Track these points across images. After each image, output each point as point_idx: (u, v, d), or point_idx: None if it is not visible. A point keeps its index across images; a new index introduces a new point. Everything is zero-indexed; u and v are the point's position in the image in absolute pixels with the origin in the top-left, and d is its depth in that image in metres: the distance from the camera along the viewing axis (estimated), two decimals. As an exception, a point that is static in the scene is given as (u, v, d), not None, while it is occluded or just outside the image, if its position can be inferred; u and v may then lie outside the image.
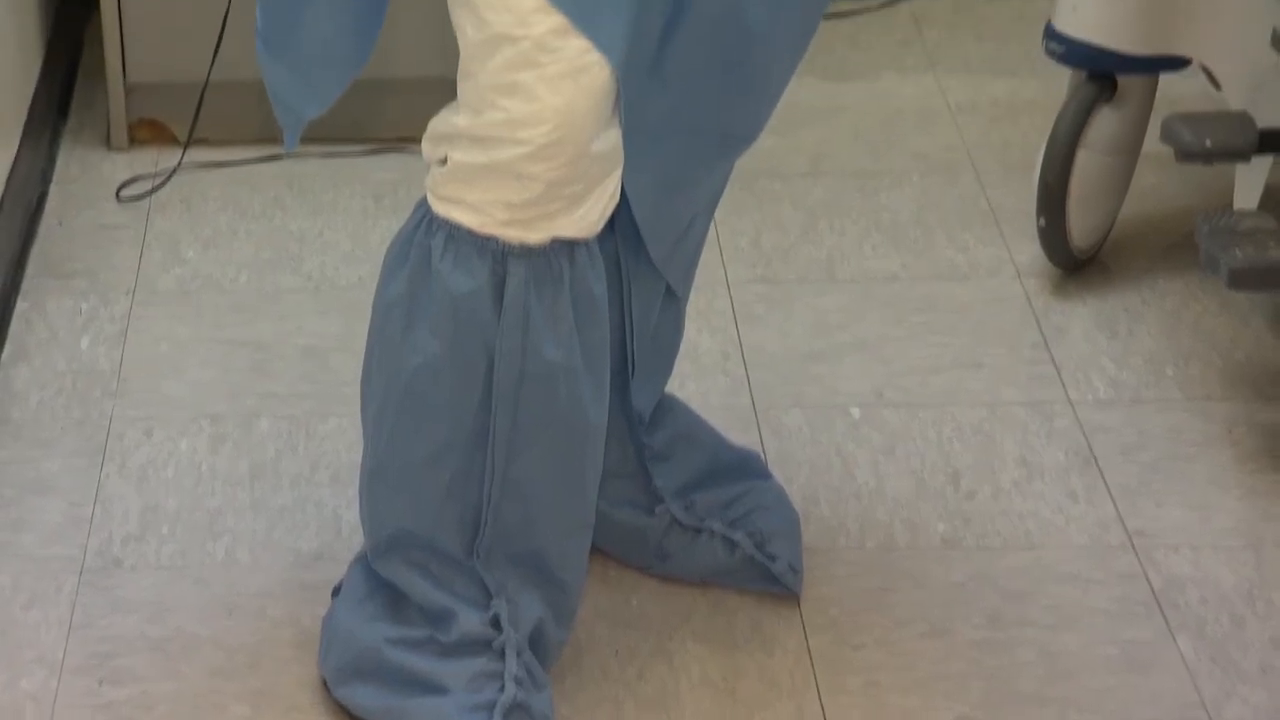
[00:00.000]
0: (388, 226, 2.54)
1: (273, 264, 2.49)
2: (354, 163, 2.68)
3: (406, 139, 2.68)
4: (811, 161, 2.71)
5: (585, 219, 1.73)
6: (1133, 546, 2.06)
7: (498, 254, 1.72)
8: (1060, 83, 2.50)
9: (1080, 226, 2.42)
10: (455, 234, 1.73)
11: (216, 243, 2.53)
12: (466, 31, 1.68)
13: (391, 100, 2.65)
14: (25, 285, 2.43)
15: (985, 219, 2.59)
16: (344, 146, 2.68)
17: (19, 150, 2.51)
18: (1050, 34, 2.39)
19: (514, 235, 1.71)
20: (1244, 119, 2.12)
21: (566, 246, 1.73)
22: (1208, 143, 2.11)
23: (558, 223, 1.72)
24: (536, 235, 1.72)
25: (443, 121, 1.74)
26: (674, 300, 1.92)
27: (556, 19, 1.64)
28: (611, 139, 1.72)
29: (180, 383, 2.28)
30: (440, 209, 1.74)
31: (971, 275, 2.49)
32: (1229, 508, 2.11)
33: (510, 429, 1.77)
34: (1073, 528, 2.08)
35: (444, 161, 1.73)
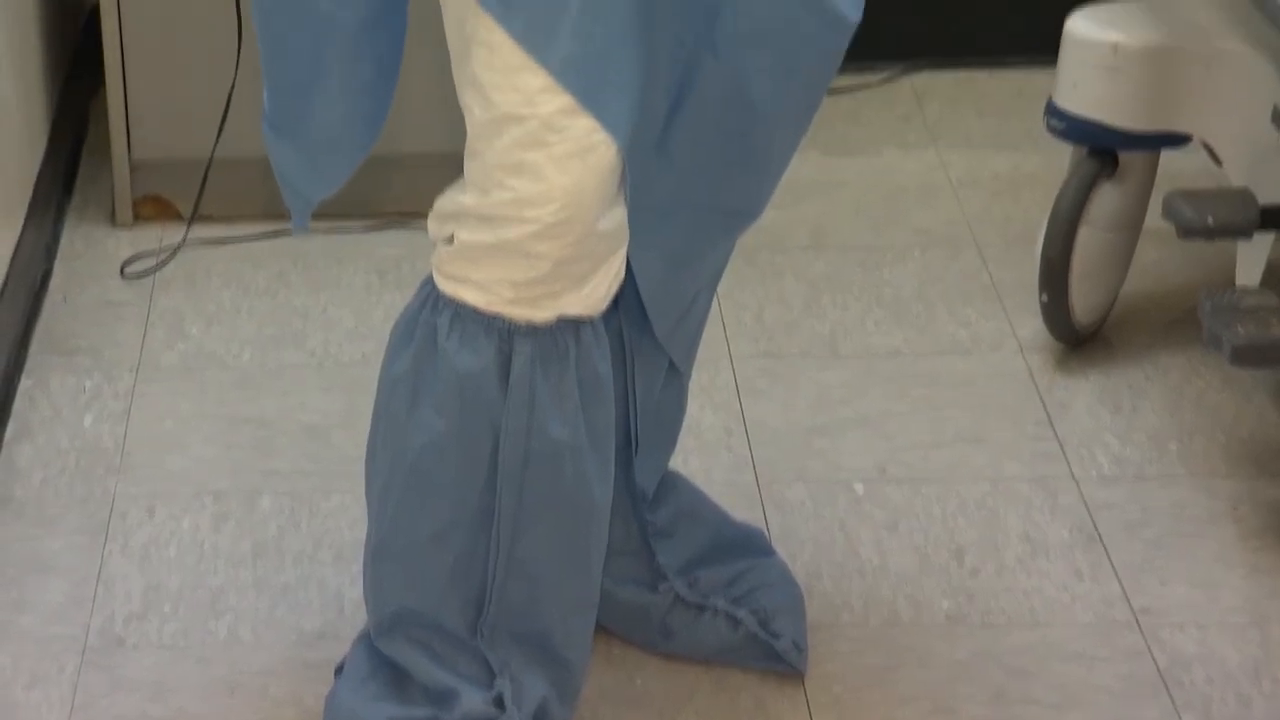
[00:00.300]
0: (391, 302, 2.54)
1: (276, 340, 2.49)
2: (358, 239, 2.69)
3: (410, 214, 2.69)
4: (814, 236, 2.71)
5: (591, 297, 1.73)
6: (1138, 624, 2.06)
7: (504, 332, 1.72)
8: (1062, 157, 2.51)
9: (1083, 302, 2.43)
10: (461, 312, 1.73)
11: (220, 319, 2.53)
12: (474, 111, 1.69)
13: (396, 175, 2.66)
14: (29, 363, 2.43)
15: (987, 294, 2.59)
16: (348, 222, 2.69)
17: (24, 227, 2.51)
18: (1051, 110, 2.40)
19: (520, 314, 1.72)
20: (1245, 196, 2.13)
21: (572, 325, 1.73)
22: (1209, 220, 2.11)
23: (564, 301, 1.72)
24: (543, 314, 1.72)
25: (449, 200, 1.74)
26: (677, 376, 1.93)
27: (564, 99, 1.65)
28: (617, 217, 1.72)
29: (183, 459, 2.28)
30: (446, 287, 1.74)
31: (974, 350, 2.49)
32: (1234, 585, 2.11)
33: (515, 507, 1.77)
34: (1078, 605, 2.08)
35: (450, 240, 1.74)
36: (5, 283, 2.40)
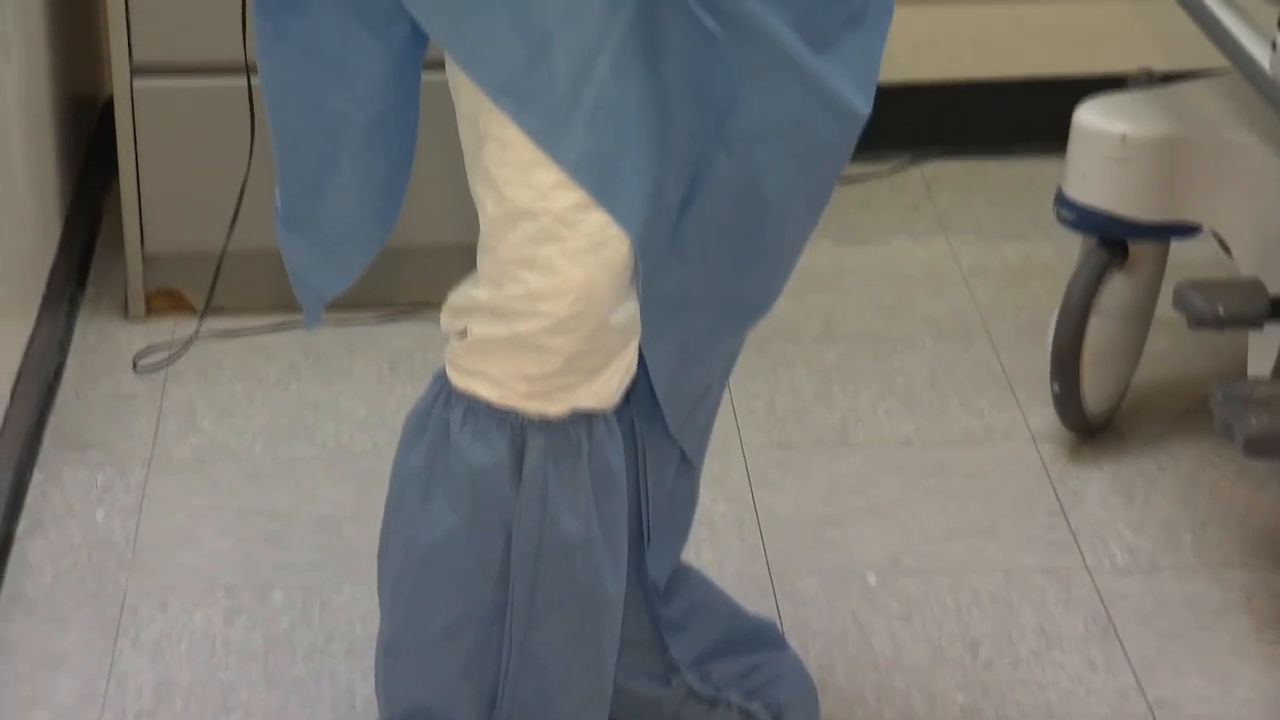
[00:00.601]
0: (403, 393, 2.55)
1: (288, 432, 2.49)
2: (370, 330, 2.69)
3: (422, 304, 2.70)
4: (824, 325, 2.72)
5: (604, 390, 1.73)
6: (1153, 717, 2.04)
7: (517, 426, 1.72)
8: (1072, 245, 2.52)
9: (1094, 392, 2.43)
10: (474, 407, 1.73)
11: (232, 411, 2.53)
12: (487, 207, 1.69)
13: (407, 266, 2.67)
14: (42, 457, 2.43)
15: (999, 383, 2.59)
16: (360, 313, 2.70)
17: (37, 321, 2.52)
18: (1061, 200, 2.40)
19: (534, 407, 1.72)
20: (1256, 286, 2.13)
21: (585, 419, 1.73)
22: (1220, 310, 2.12)
23: (577, 394, 1.72)
24: (556, 407, 1.72)
25: (462, 295, 1.75)
26: (689, 468, 1.92)
27: (577, 194, 1.65)
28: (630, 310, 1.73)
29: (195, 554, 2.28)
30: (460, 382, 1.74)
31: (986, 440, 2.49)
32: (1249, 678, 2.10)
33: (528, 602, 1.76)
34: (1093, 698, 2.07)
35: (463, 334, 1.74)
36: (18, 377, 2.41)
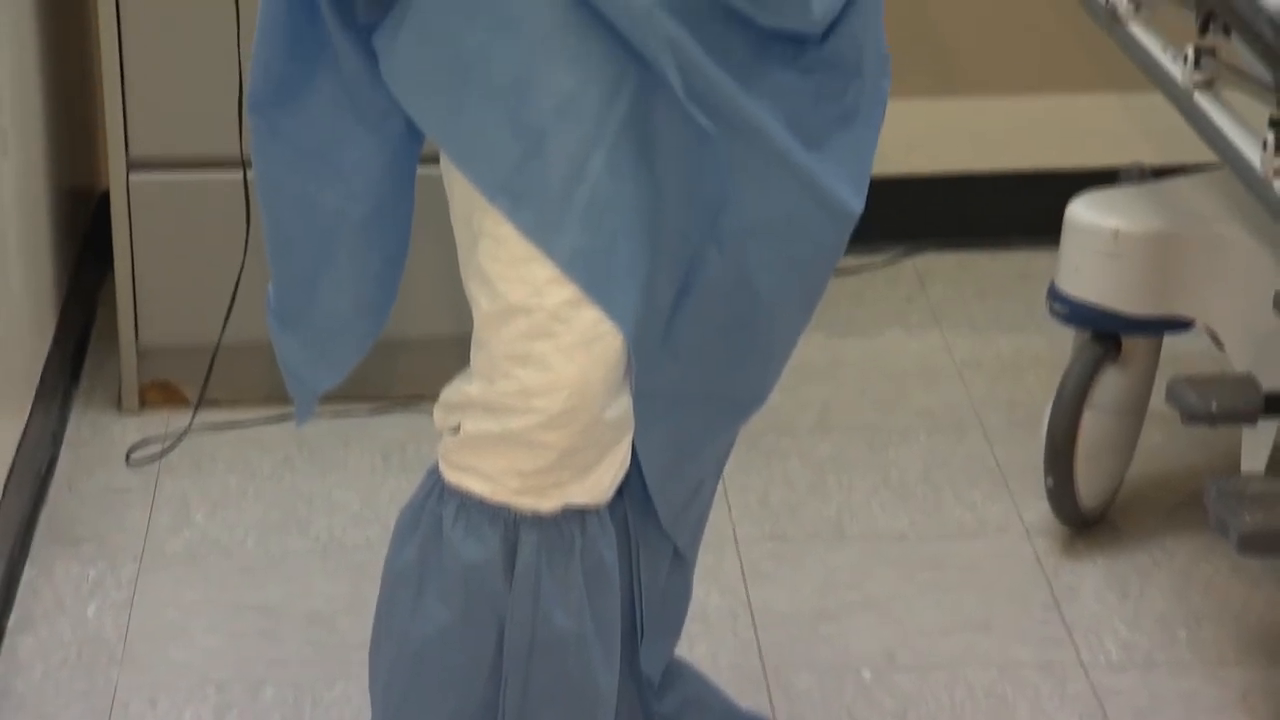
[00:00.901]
0: (396, 486, 2.54)
1: (281, 525, 2.49)
2: (363, 422, 2.69)
3: (415, 396, 2.70)
4: (818, 418, 2.72)
5: (597, 486, 1.73)
6: (1151, 814, 2.03)
7: (509, 522, 1.72)
8: (1064, 338, 2.52)
9: (1088, 486, 2.43)
10: (467, 503, 1.73)
11: (225, 504, 2.53)
12: (481, 303, 1.70)
13: (400, 358, 2.67)
14: (33, 552, 2.43)
15: (993, 476, 2.59)
16: (353, 405, 2.70)
17: (30, 415, 2.52)
18: (1054, 294, 2.41)
19: (527, 503, 1.71)
20: (1249, 382, 2.13)
21: (578, 514, 1.73)
22: (1213, 406, 2.12)
23: (569, 490, 1.72)
24: (549, 503, 1.72)
25: (455, 391, 1.75)
26: (682, 562, 1.92)
27: (570, 290, 1.65)
28: (623, 406, 1.73)
29: (186, 649, 2.26)
30: (452, 477, 1.74)
31: (980, 533, 2.48)
32: (1246, 775, 2.09)
33: (520, 698, 1.75)
34: (1089, 795, 2.06)
35: (456, 430, 1.74)
36: (11, 471, 2.40)
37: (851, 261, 3.03)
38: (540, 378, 1.67)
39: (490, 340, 1.69)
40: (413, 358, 2.67)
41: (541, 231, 1.65)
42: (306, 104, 1.72)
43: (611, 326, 1.66)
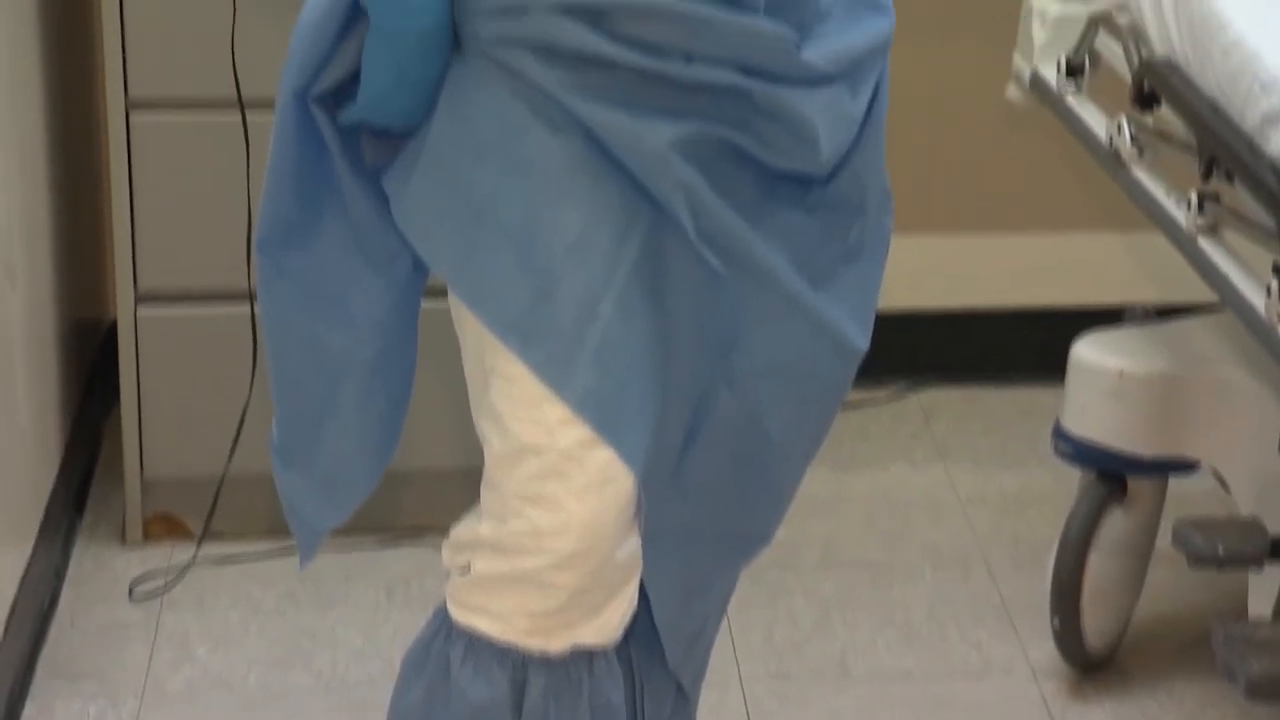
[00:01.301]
0: (400, 621, 2.53)
1: (283, 661, 2.47)
2: (367, 556, 2.68)
3: (420, 528, 2.69)
4: (823, 554, 2.71)
5: (606, 626, 1.73)
6: None
7: (518, 663, 1.71)
8: (1069, 475, 2.52)
9: (1095, 627, 2.41)
10: (476, 643, 1.72)
11: (227, 640, 2.51)
12: (492, 443, 1.70)
13: (406, 490, 2.67)
14: (34, 688, 2.40)
15: (998, 615, 2.58)
16: (356, 538, 2.69)
17: (34, 550, 2.50)
18: (1059, 434, 2.41)
19: (535, 644, 1.71)
20: (1255, 526, 2.13)
21: (586, 656, 1.72)
22: (1220, 550, 2.12)
23: (579, 631, 1.71)
24: (558, 644, 1.71)
25: (465, 529, 1.74)
26: (685, 701, 1.90)
27: (583, 431, 1.65)
28: (633, 545, 1.72)
29: (188, 787, 2.25)
30: (461, 617, 1.73)
31: (986, 674, 2.47)
32: None
33: (526, 841, 1.73)
34: None
35: (465, 569, 1.73)
36: (13, 607, 2.39)
37: (857, 395, 3.03)
38: (552, 518, 1.67)
39: (502, 480, 1.69)
40: (417, 490, 2.66)
41: (552, 371, 1.65)
42: (314, 245, 1.72)
43: (624, 467, 1.67)
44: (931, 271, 3.08)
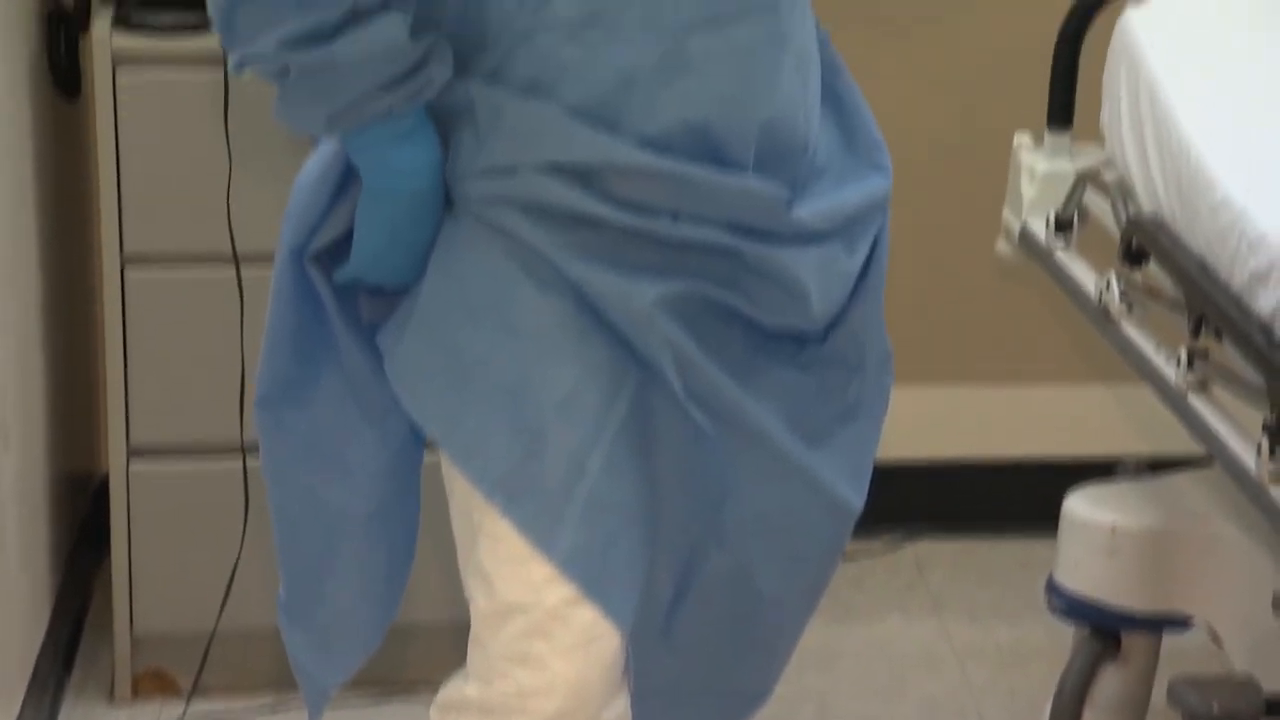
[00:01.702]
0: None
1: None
2: (363, 713, 2.65)
3: (416, 683, 2.66)
4: (818, 710, 2.69)
5: (593, 788, 1.71)
6: None
7: (504, 826, 1.69)
8: (1064, 628, 2.50)
9: (1091, 784, 2.39)
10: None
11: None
12: (478, 601, 1.69)
13: (401, 645, 2.65)
14: None
15: (995, 771, 2.56)
16: (355, 693, 2.66)
17: (22, 707, 2.48)
18: (1052, 588, 2.40)
19: (521, 807, 1.69)
20: (1250, 685, 2.11)
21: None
22: (1215, 708, 2.09)
23: (564, 792, 1.70)
24: (545, 806, 1.69)
25: (453, 690, 1.73)
26: None
27: (568, 589, 1.65)
28: (621, 706, 1.71)
29: None
30: (450, 777, 1.72)
31: (984, 831, 2.45)
32: None
33: None
34: None
35: (453, 730, 1.72)
36: (0, 770, 2.37)
37: (850, 547, 2.99)
38: (537, 678, 1.66)
39: (488, 640, 1.68)
40: (414, 644, 2.64)
41: (538, 530, 1.65)
42: (312, 401, 1.73)
43: (610, 626, 1.66)
44: (925, 422, 3.09)
